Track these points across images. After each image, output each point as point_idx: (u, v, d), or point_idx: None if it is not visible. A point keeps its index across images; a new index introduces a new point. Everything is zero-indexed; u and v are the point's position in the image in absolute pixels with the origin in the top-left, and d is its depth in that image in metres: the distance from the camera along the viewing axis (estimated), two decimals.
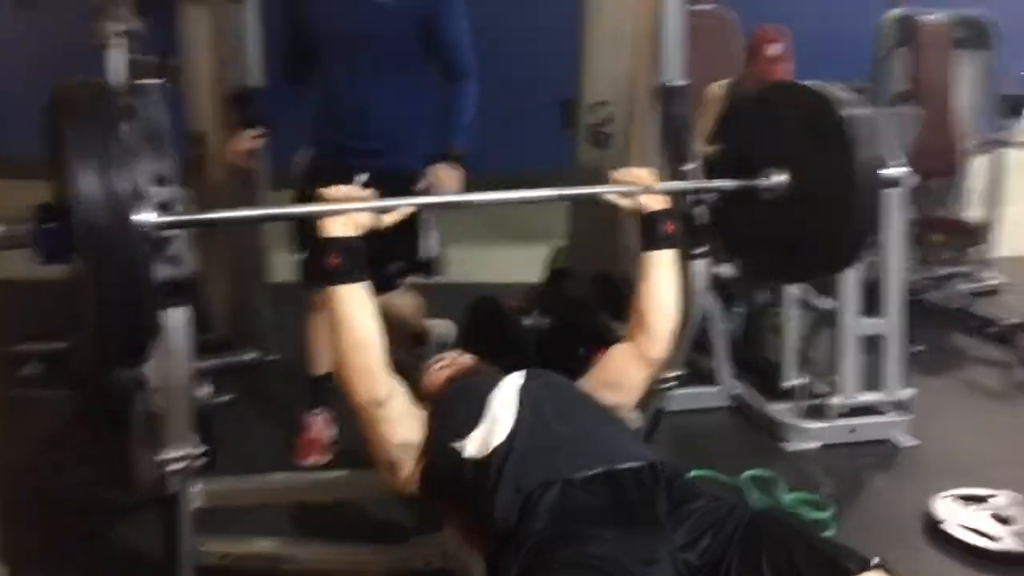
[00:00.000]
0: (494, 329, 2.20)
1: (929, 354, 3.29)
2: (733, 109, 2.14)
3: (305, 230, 2.11)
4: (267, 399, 2.86)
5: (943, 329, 3.80)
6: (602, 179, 2.66)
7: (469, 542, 1.57)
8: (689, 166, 2.01)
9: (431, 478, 1.52)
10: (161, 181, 1.46)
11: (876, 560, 1.23)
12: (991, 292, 4.17)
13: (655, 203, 1.71)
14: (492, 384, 1.58)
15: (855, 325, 2.72)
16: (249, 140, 2.40)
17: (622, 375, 1.69)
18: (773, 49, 3.09)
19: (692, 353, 2.43)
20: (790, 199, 1.77)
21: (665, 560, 1.25)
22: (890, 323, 2.75)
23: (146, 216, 1.27)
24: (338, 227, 1.45)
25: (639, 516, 1.30)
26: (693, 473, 2.42)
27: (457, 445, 1.47)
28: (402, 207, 1.57)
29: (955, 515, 2.25)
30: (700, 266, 2.08)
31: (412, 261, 2.48)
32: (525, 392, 1.54)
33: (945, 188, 4.19)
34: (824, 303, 2.76)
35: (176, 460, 1.58)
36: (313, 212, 1.49)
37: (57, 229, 1.21)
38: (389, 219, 1.53)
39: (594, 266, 2.47)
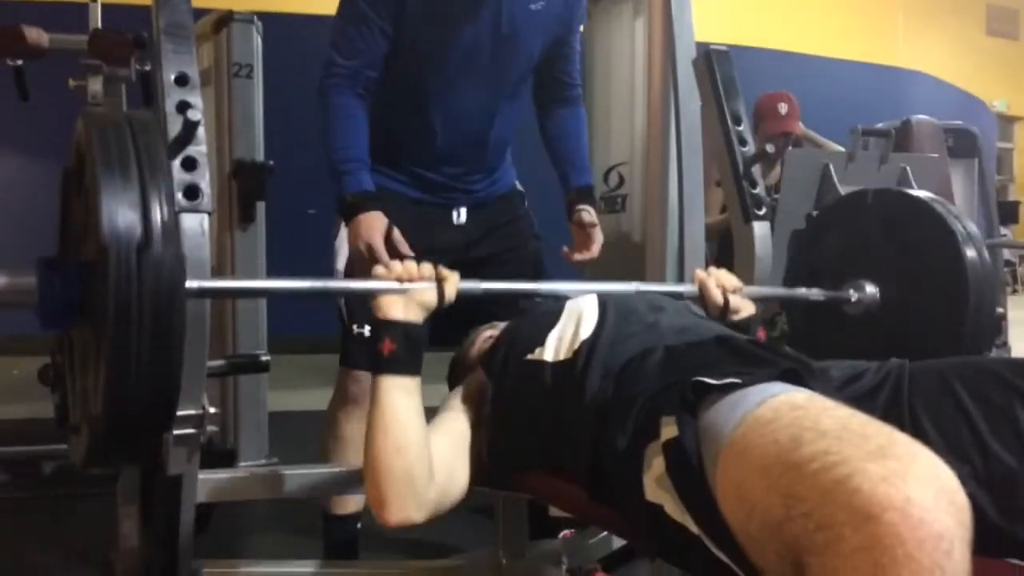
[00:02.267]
0: None
1: None
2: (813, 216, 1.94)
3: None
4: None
5: None
6: (619, 242, 2.64)
7: (551, 492, 1.29)
8: (746, 147, 1.86)
9: (497, 421, 1.27)
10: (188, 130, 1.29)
11: None
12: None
13: (745, 308, 1.54)
14: (559, 303, 1.37)
15: None
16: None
17: None
18: (785, 107, 3.18)
19: None
20: (879, 315, 1.62)
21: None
22: None
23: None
24: (398, 308, 1.27)
25: (773, 359, 1.06)
26: None
27: (534, 354, 1.25)
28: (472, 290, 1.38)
29: None
30: None
31: None
32: (605, 295, 1.34)
33: None
34: None
35: (183, 422, 1.30)
36: (376, 288, 1.29)
37: (69, 283, 1.00)
38: (451, 294, 1.33)
39: None
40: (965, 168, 4.35)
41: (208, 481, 1.44)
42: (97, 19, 2.68)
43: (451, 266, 1.34)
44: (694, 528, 0.90)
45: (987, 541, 0.69)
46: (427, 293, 1.29)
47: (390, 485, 1.18)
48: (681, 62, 2.26)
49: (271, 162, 2.65)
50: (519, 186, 2.11)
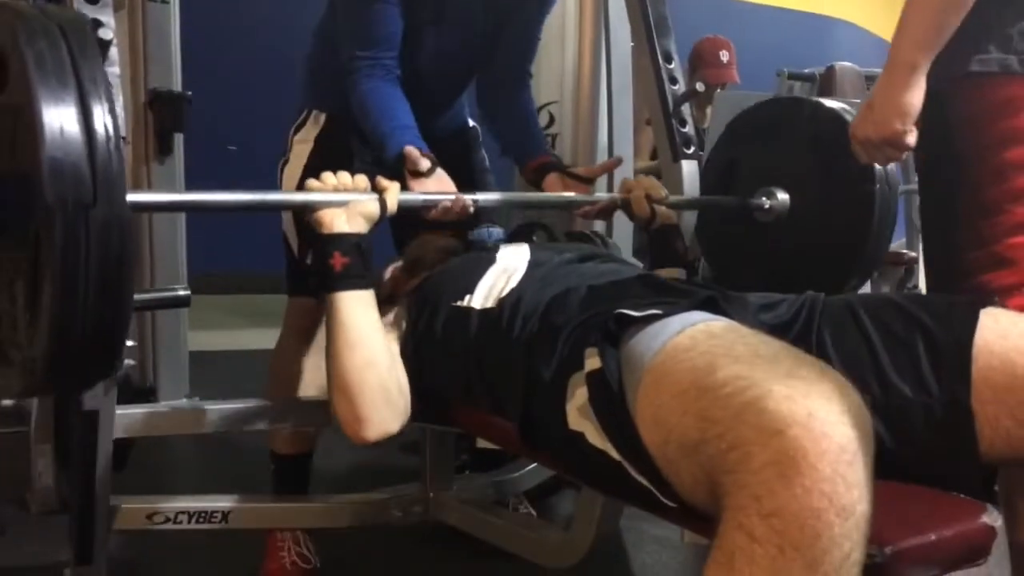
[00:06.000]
0: None
1: None
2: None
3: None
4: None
5: None
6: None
7: (478, 426, 1.30)
8: (676, 85, 1.85)
9: (424, 361, 1.27)
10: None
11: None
12: None
13: (667, 217, 1.59)
14: (490, 252, 1.37)
15: None
16: None
17: None
18: (726, 55, 3.18)
19: None
20: (788, 221, 1.64)
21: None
22: None
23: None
24: (341, 221, 1.23)
25: (694, 292, 1.07)
26: None
27: (463, 302, 1.24)
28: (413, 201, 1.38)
29: None
30: None
31: None
32: (535, 247, 1.34)
33: None
34: None
35: None
36: (316, 200, 1.25)
37: None
38: (392, 206, 1.31)
39: None
40: None
41: (126, 416, 1.40)
42: None
43: None
44: (615, 454, 0.92)
45: (879, 464, 0.73)
46: (369, 204, 1.27)
47: (366, 399, 1.17)
48: (614, 24, 2.25)
49: (189, 92, 2.55)
50: (471, 122, 2.07)
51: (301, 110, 1.84)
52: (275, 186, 1.84)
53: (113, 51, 1.19)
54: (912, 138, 1.28)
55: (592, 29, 2.43)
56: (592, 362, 0.95)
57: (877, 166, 1.48)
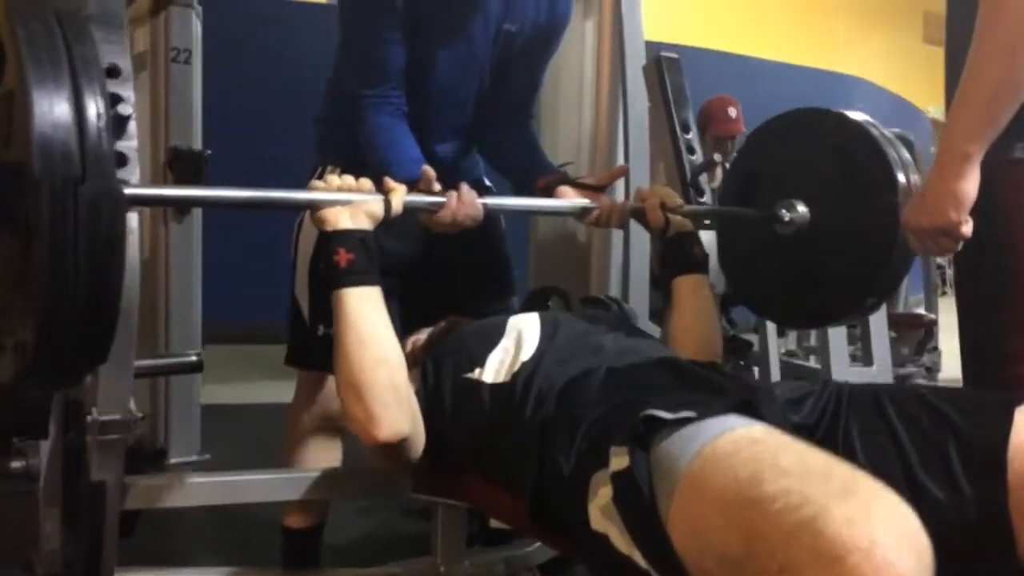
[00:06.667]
0: None
1: None
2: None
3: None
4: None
5: None
6: (564, 247, 2.63)
7: (491, 505, 1.27)
8: (694, 155, 1.86)
9: (437, 439, 1.25)
10: (119, 125, 1.22)
11: None
12: None
13: (683, 225, 1.59)
14: (502, 318, 1.35)
15: (844, 375, 2.56)
16: None
17: None
18: (734, 111, 3.28)
19: None
20: (809, 234, 1.63)
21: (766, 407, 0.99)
22: (881, 372, 2.60)
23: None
24: (345, 218, 1.24)
25: (719, 383, 1.05)
26: None
27: (473, 374, 1.22)
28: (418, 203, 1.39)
29: None
30: None
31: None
32: (548, 316, 1.32)
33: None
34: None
35: (108, 428, 1.25)
36: (320, 200, 1.26)
37: None
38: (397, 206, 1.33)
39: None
40: None
41: (134, 487, 1.38)
42: None
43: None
44: (642, 562, 0.89)
45: None
46: (373, 204, 1.27)
47: (377, 397, 1.15)
48: (630, 66, 2.26)
49: (209, 151, 2.57)
50: (487, 182, 2.08)
51: (315, 168, 1.85)
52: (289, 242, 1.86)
53: (132, 125, 1.19)
54: (968, 228, 1.27)
55: (609, 89, 2.44)
56: (618, 461, 0.92)
57: (900, 179, 1.46)
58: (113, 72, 1.22)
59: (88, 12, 1.23)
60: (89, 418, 1.25)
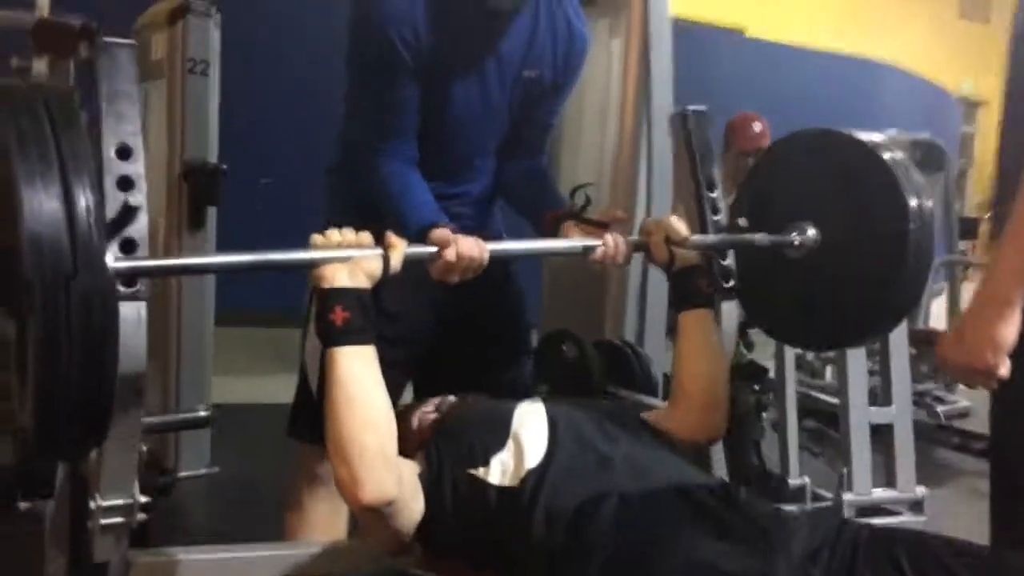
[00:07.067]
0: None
1: (919, 466, 3.10)
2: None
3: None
4: None
5: (925, 444, 3.64)
6: (579, 275, 2.59)
7: None
8: (718, 216, 1.79)
9: (439, 526, 1.22)
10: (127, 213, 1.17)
11: None
12: (963, 414, 4.10)
13: (689, 258, 1.56)
14: (507, 407, 1.32)
15: (863, 414, 2.52)
16: None
17: None
18: (759, 126, 3.32)
19: None
20: (819, 258, 1.58)
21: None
22: (901, 411, 2.56)
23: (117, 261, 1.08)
24: (343, 276, 1.21)
25: (735, 526, 1.02)
26: None
27: (478, 472, 1.19)
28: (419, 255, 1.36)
29: None
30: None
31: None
32: (555, 413, 1.28)
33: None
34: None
35: (111, 512, 1.23)
36: (319, 258, 1.24)
37: None
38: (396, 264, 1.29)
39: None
40: (931, 183, 4.38)
41: (136, 566, 1.36)
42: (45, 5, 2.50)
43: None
44: None
45: None
46: (372, 261, 1.25)
47: (365, 462, 1.13)
48: (657, 88, 2.20)
49: (225, 165, 2.53)
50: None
51: (327, 223, 1.81)
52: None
53: (143, 216, 1.15)
54: (1005, 370, 1.23)
55: (633, 111, 2.39)
56: None
57: (911, 202, 1.43)
58: (123, 153, 1.18)
59: (101, 89, 1.18)
60: (92, 504, 1.23)
